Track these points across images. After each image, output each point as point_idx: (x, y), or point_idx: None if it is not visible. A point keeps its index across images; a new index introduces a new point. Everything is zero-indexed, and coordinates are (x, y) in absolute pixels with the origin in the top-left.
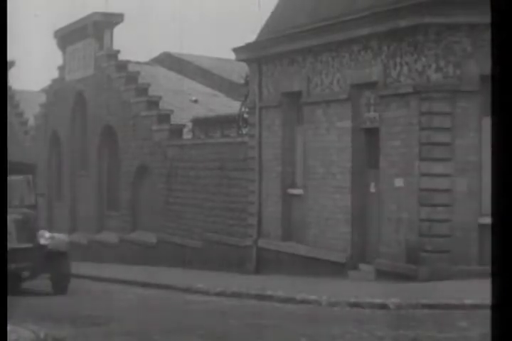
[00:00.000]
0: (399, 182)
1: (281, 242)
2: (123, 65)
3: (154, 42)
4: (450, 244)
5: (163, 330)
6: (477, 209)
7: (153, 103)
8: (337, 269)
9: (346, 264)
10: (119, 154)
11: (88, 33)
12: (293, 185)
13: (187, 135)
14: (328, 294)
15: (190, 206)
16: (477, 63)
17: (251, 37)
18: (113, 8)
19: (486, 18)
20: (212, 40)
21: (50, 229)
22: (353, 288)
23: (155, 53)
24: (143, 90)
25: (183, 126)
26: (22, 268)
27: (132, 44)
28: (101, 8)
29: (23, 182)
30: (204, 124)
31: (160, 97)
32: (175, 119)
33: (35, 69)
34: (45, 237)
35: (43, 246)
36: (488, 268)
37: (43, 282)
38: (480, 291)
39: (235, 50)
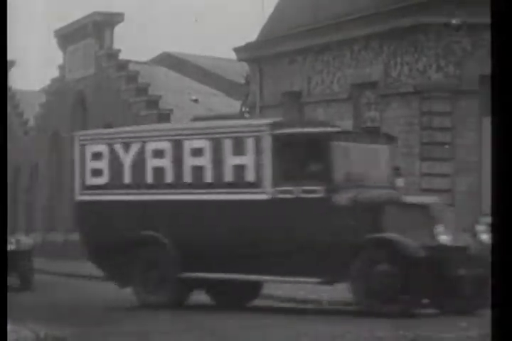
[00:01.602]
0: (400, 182)
1: None
2: (123, 65)
3: (154, 42)
4: None
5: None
6: (477, 209)
7: (153, 102)
8: None
9: None
10: None
11: (88, 33)
12: None
13: None
14: (328, 294)
15: None
16: (477, 63)
17: (251, 36)
18: (113, 8)
19: (486, 18)
20: (213, 39)
21: (50, 229)
22: None
23: (155, 53)
24: (143, 90)
25: None
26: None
27: (132, 44)
28: (101, 7)
29: (383, 153)
30: None
31: (160, 97)
32: (175, 119)
33: (35, 69)
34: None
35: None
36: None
37: None
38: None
39: (236, 50)
